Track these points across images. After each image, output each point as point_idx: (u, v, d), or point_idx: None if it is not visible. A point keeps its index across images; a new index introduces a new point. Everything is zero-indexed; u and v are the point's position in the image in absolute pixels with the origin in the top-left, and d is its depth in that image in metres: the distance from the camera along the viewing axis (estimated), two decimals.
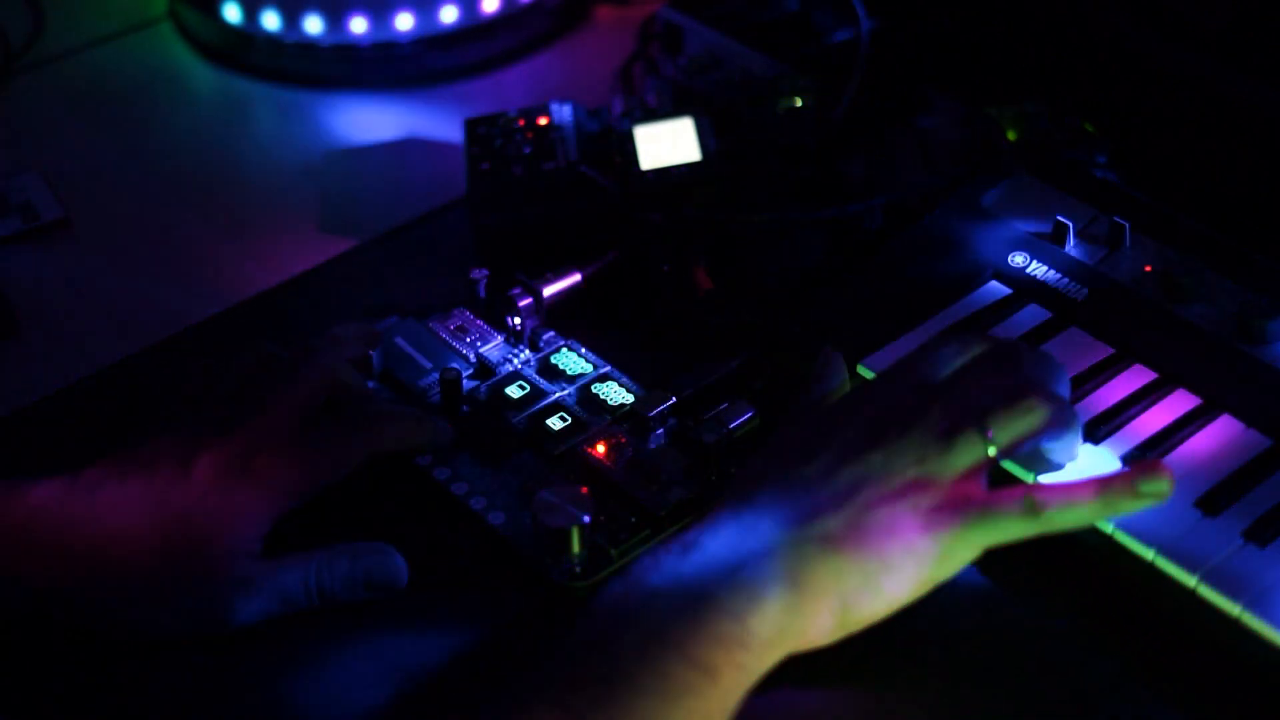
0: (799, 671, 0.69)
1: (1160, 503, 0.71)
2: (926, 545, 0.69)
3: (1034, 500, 0.70)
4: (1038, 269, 0.89)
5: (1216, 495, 0.76)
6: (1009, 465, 0.77)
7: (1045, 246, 0.90)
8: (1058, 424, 0.73)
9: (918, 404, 0.72)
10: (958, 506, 0.70)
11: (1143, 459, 0.77)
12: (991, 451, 0.71)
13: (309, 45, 1.19)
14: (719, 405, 0.84)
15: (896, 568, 0.69)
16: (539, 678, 0.66)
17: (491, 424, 0.85)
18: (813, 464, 0.71)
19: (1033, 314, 0.87)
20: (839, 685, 0.72)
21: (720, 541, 0.69)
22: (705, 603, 0.67)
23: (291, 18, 1.18)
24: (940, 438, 0.71)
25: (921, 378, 0.75)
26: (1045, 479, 0.76)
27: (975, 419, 0.72)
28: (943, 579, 0.70)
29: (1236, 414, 0.80)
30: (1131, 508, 0.71)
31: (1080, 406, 0.81)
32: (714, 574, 0.68)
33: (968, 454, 0.71)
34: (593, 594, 0.76)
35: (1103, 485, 0.71)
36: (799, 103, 1.00)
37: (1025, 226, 0.91)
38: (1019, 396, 0.73)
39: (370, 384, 0.87)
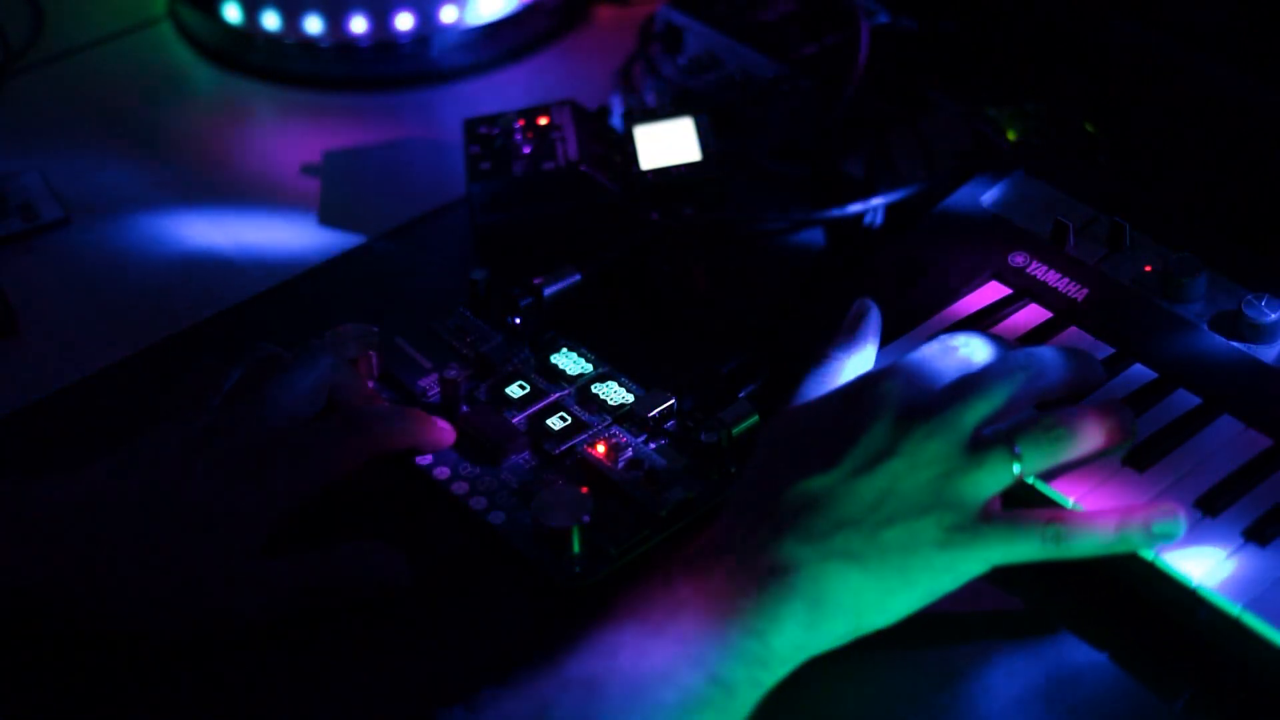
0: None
1: (1169, 543, 0.72)
2: (944, 560, 0.70)
3: (1057, 530, 0.70)
4: (1038, 269, 0.89)
5: (1216, 495, 0.76)
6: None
7: (1045, 246, 0.90)
8: (1081, 448, 0.73)
9: (942, 408, 0.72)
10: (979, 526, 0.70)
11: (1143, 458, 0.77)
12: (1017, 470, 0.71)
13: (309, 45, 1.19)
14: (719, 405, 0.84)
15: (912, 581, 0.69)
16: (559, 679, 0.66)
17: (491, 424, 0.85)
18: (835, 470, 0.71)
19: (1033, 314, 0.87)
20: (831, 677, 0.72)
21: (745, 553, 0.69)
22: (730, 620, 0.67)
23: (291, 18, 1.18)
24: (967, 451, 0.71)
25: (940, 377, 0.74)
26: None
27: (1005, 436, 0.72)
28: (949, 591, 0.70)
29: (1236, 414, 0.80)
30: (1142, 546, 0.72)
31: (1081, 406, 0.81)
32: (740, 590, 0.68)
33: (995, 475, 0.71)
34: (594, 594, 0.76)
35: (1122, 521, 0.71)
36: (799, 103, 1.00)
37: (1025, 226, 0.91)
38: (1052, 424, 0.72)
39: (370, 384, 0.87)
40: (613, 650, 0.67)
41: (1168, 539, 0.72)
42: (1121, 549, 0.72)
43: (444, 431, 0.83)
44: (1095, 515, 0.72)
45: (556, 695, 0.65)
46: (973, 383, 0.73)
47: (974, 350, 0.77)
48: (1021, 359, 0.75)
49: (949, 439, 0.71)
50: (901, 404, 0.72)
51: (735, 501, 0.73)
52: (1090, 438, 0.73)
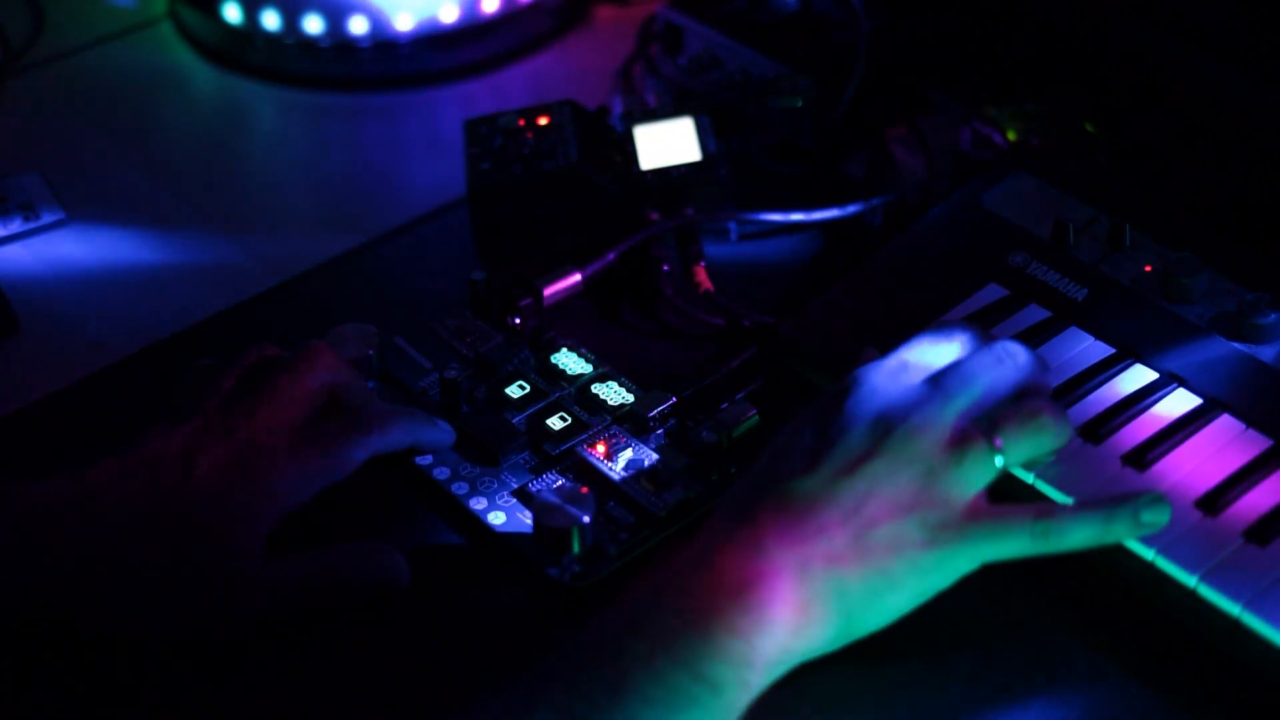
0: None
1: (1156, 531, 0.72)
2: (930, 560, 0.69)
3: (1045, 525, 0.70)
4: (1038, 269, 0.89)
5: (1216, 495, 0.76)
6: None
7: (1045, 246, 0.90)
8: (1061, 436, 0.73)
9: (923, 405, 0.72)
10: (965, 523, 0.70)
11: (1143, 458, 0.77)
12: (999, 464, 0.71)
13: (309, 45, 1.19)
14: (719, 405, 0.84)
15: (899, 583, 0.69)
16: (543, 677, 0.66)
17: (491, 424, 0.85)
18: (815, 474, 0.70)
19: (1033, 314, 0.87)
20: (828, 677, 0.72)
21: (728, 556, 0.68)
22: (714, 620, 0.66)
23: (291, 18, 1.18)
24: (948, 449, 0.71)
25: (923, 371, 0.74)
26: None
27: (985, 429, 0.71)
28: (942, 589, 0.70)
29: (1236, 414, 0.80)
30: (1130, 535, 0.72)
31: (1080, 406, 0.81)
32: (723, 591, 0.67)
33: (977, 470, 0.71)
34: (594, 594, 0.76)
35: (1109, 512, 0.71)
36: (799, 102, 1.00)
37: (1025, 226, 0.91)
38: (1033, 411, 0.72)
39: (370, 384, 0.87)
40: (594, 649, 0.67)
41: (1155, 526, 0.72)
42: (1111, 539, 0.72)
43: (444, 431, 0.84)
44: (1082, 507, 0.72)
45: (538, 696, 0.65)
46: (951, 377, 0.73)
47: (955, 343, 0.76)
48: (1000, 351, 0.74)
49: (929, 437, 0.71)
50: (881, 404, 0.72)
51: (721, 507, 0.72)
52: (1065, 427, 0.73)
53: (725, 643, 0.66)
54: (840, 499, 0.69)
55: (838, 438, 0.71)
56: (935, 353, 0.75)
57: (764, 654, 0.67)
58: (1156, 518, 0.72)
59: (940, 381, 0.73)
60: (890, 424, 0.71)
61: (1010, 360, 0.74)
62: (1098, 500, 0.72)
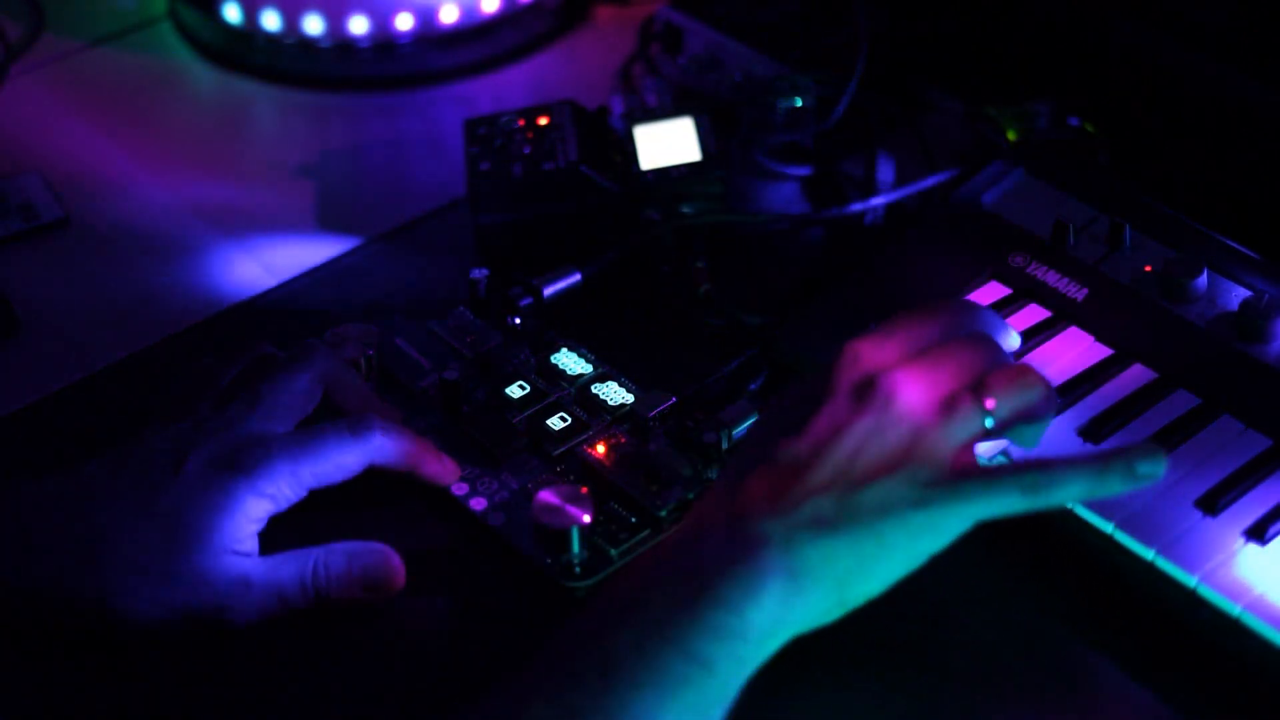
0: (795, 662, 0.69)
1: (1152, 483, 0.70)
2: (921, 519, 0.67)
3: (1035, 477, 0.68)
4: (1038, 269, 0.89)
5: (1216, 495, 0.76)
6: None
7: (1045, 246, 0.90)
8: (1050, 403, 0.72)
9: (909, 368, 0.70)
10: (954, 480, 0.68)
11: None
12: (989, 424, 0.70)
13: (309, 45, 1.19)
14: (719, 405, 0.84)
15: (891, 545, 0.67)
16: (536, 672, 0.66)
17: (491, 424, 0.85)
18: (802, 440, 0.69)
19: (1033, 314, 0.87)
20: (829, 679, 0.72)
21: (715, 531, 0.68)
22: (702, 596, 0.66)
23: (291, 18, 1.18)
24: (937, 406, 0.69)
25: (909, 342, 0.72)
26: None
27: (974, 387, 0.70)
28: (936, 551, 0.68)
29: (1236, 414, 0.80)
30: (1126, 487, 0.69)
31: (1080, 406, 0.81)
32: (710, 566, 0.66)
33: (966, 427, 0.69)
34: (593, 593, 0.77)
35: (1103, 464, 0.69)
36: (799, 102, 1.00)
37: (1025, 226, 0.91)
38: (1020, 369, 0.71)
39: (370, 384, 0.87)
40: (585, 636, 0.66)
41: (1151, 478, 0.69)
42: (1105, 492, 0.69)
43: (448, 469, 0.82)
44: (1076, 459, 0.69)
45: (532, 687, 0.65)
46: (937, 349, 0.71)
47: (941, 319, 0.75)
48: (982, 322, 0.73)
49: (915, 396, 0.69)
50: (867, 369, 0.70)
51: (713, 488, 0.72)
52: (1051, 391, 0.71)
53: (714, 618, 0.65)
54: (826, 462, 0.68)
55: (824, 403, 0.70)
56: (921, 327, 0.74)
57: (756, 626, 0.66)
58: (1152, 469, 0.69)
59: (927, 351, 0.72)
60: (876, 386, 0.69)
61: (993, 337, 0.73)
62: (1090, 454, 0.71)
